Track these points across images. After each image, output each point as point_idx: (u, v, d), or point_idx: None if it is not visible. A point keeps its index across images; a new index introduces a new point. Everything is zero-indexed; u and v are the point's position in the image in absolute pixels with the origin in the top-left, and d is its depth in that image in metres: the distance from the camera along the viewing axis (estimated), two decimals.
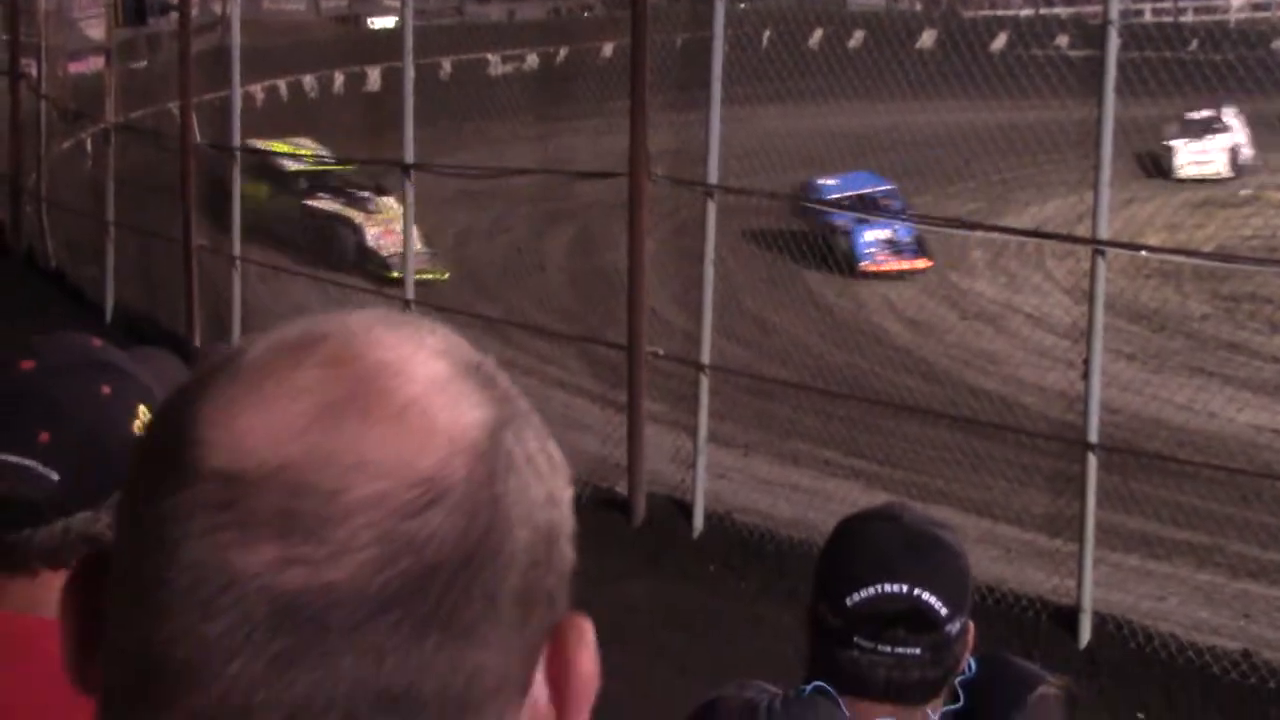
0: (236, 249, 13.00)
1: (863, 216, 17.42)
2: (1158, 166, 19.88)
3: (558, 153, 15.38)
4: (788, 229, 14.47)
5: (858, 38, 24.33)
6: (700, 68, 9.87)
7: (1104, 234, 8.45)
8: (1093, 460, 8.19)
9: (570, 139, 15.91)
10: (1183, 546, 9.35)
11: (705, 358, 9.80)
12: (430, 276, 14.72)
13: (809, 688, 2.10)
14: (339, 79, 23.03)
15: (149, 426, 0.69)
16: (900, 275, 17.17)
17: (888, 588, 2.08)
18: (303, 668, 0.62)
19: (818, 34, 24.29)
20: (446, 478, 0.64)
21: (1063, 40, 20.76)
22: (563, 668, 0.69)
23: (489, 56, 22.77)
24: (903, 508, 2.25)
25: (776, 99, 15.28)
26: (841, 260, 16.41)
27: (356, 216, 17.31)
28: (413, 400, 0.65)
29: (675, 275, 12.88)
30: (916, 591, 2.07)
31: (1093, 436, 8.21)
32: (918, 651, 2.07)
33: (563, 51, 22.16)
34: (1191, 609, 8.65)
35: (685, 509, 9.70)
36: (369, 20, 27.00)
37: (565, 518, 0.69)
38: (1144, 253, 12.98)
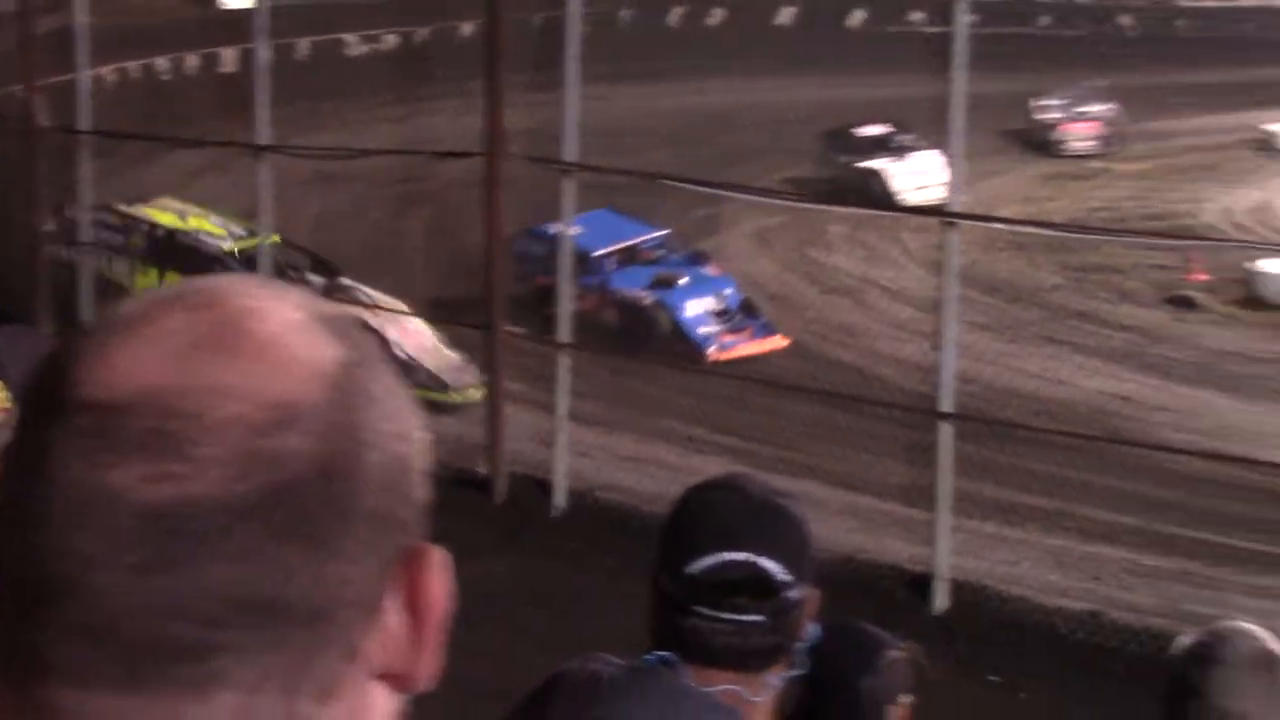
0: (85, 234, 12.72)
1: (666, 276, 13.23)
2: (862, 192, 16.94)
3: (417, 133, 15.27)
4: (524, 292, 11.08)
5: (717, 15, 24.45)
6: (559, 47, 9.85)
7: (957, 207, 8.61)
8: (946, 429, 8.35)
9: (429, 119, 15.80)
10: (1036, 512, 9.57)
11: (564, 336, 9.81)
12: (478, 393, 10.77)
13: (652, 658, 2.11)
14: (192, 60, 22.57)
15: (33, 374, 0.74)
16: (757, 358, 13.20)
17: (728, 556, 2.08)
18: (169, 574, 0.68)
19: (677, 11, 24.36)
20: (301, 403, 0.70)
21: (917, 15, 21.01)
22: (414, 591, 0.74)
23: (346, 36, 22.48)
24: (745, 477, 2.26)
25: (636, 78, 15.29)
26: (663, 341, 13.01)
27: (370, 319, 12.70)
28: (273, 337, 0.71)
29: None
30: (757, 559, 2.08)
31: (945, 406, 8.36)
32: (759, 619, 2.08)
33: (422, 31, 21.96)
34: (1043, 573, 8.87)
35: (546, 487, 9.70)
36: None
37: (416, 454, 0.75)
38: (999, 225, 13.26)
